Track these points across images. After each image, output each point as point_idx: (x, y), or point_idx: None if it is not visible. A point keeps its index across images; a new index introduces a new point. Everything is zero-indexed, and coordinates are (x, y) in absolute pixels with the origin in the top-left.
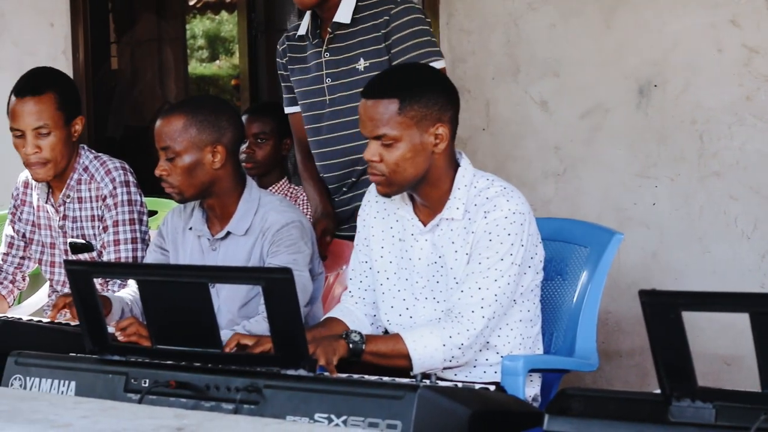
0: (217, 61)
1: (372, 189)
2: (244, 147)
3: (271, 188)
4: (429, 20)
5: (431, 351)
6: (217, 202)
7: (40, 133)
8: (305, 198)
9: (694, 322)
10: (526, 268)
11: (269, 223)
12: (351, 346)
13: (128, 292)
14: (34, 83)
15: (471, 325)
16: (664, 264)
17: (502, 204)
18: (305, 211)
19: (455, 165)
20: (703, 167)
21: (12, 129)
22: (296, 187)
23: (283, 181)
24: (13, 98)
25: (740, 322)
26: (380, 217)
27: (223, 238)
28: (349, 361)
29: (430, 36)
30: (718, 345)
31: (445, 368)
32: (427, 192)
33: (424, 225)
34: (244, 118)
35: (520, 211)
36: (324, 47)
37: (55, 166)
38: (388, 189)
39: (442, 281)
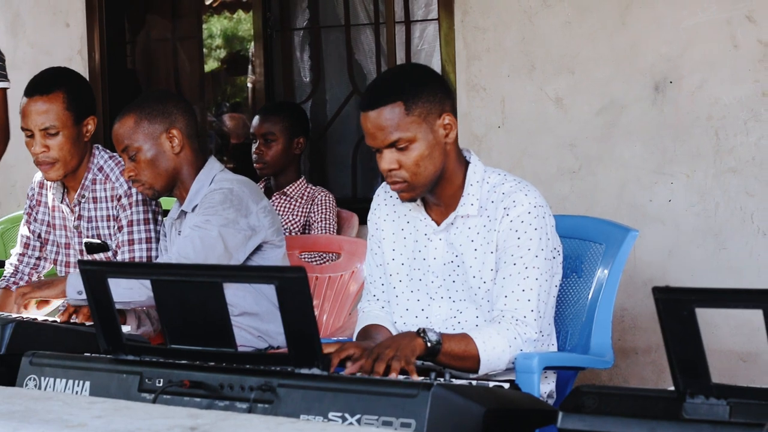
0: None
1: (380, 192)
2: (254, 147)
3: (287, 188)
4: None
5: (499, 352)
6: (183, 187)
7: (49, 133)
8: (323, 197)
9: (709, 318)
10: (552, 260)
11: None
12: (429, 345)
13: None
14: (43, 83)
15: (528, 330)
16: (680, 261)
17: (521, 199)
18: (324, 211)
19: (464, 161)
20: (719, 163)
21: (22, 129)
22: (314, 187)
23: (301, 180)
24: (24, 98)
25: (756, 318)
26: (390, 220)
27: (179, 218)
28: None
29: None
30: (734, 341)
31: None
32: (441, 189)
33: (438, 224)
34: (255, 118)
35: (540, 204)
36: None
37: (64, 166)
38: (413, 193)
39: (459, 280)
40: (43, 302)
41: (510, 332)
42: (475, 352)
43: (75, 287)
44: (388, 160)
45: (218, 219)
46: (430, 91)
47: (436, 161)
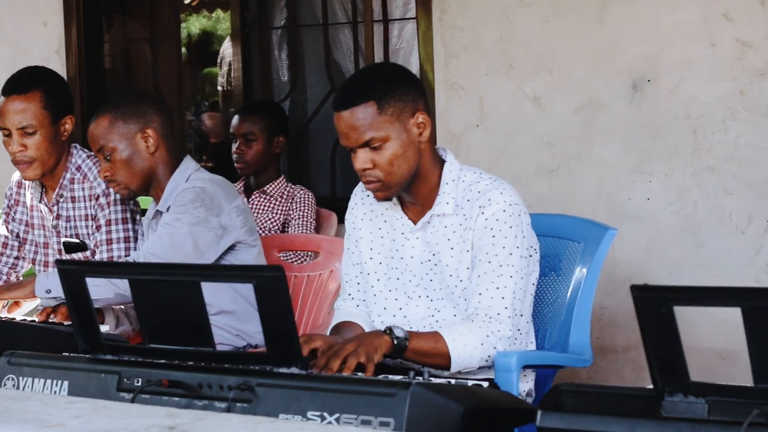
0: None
1: (357, 192)
2: (234, 147)
3: (267, 187)
4: None
5: (470, 350)
6: (159, 186)
7: (26, 132)
8: (303, 195)
9: (689, 316)
10: (528, 258)
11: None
12: (395, 342)
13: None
14: (21, 82)
15: (502, 327)
16: (659, 259)
17: (496, 197)
18: (303, 209)
19: (440, 160)
20: (697, 162)
21: (0, 128)
22: (293, 186)
23: (281, 179)
24: (1, 97)
25: (735, 316)
26: (368, 219)
27: (154, 217)
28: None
29: None
30: (714, 339)
31: (480, 368)
32: (416, 188)
33: (414, 223)
34: (234, 118)
35: (515, 202)
36: None
37: (41, 165)
38: (388, 192)
39: (436, 279)
40: (14, 304)
41: (483, 330)
42: (445, 349)
43: (43, 286)
44: (362, 159)
45: (189, 217)
46: (403, 90)
47: (410, 160)
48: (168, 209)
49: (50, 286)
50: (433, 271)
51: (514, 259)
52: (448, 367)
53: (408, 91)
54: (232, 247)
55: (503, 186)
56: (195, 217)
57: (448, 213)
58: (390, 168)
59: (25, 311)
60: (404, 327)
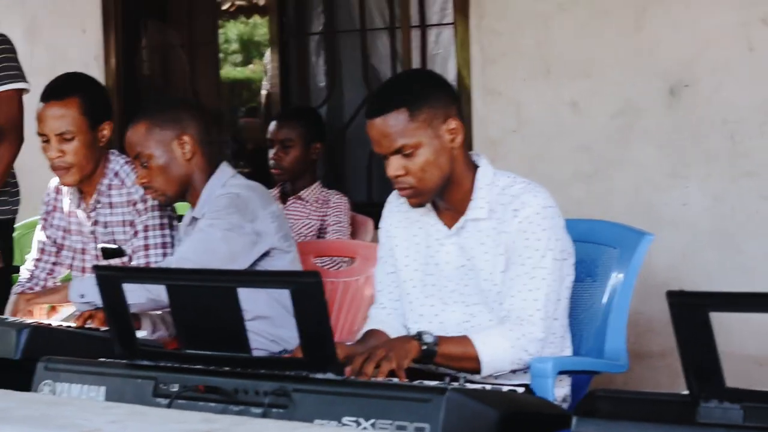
0: (251, 65)
1: (392, 199)
2: (271, 153)
3: (303, 192)
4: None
5: (500, 353)
6: (195, 193)
7: (64, 138)
8: (338, 200)
9: (725, 322)
10: (563, 261)
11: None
12: (425, 347)
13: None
14: (59, 88)
15: (533, 329)
16: (696, 264)
17: (530, 200)
18: (339, 214)
19: (473, 165)
20: (734, 167)
21: (38, 134)
22: (328, 191)
23: (316, 185)
24: (40, 103)
25: None
26: (402, 227)
27: (191, 224)
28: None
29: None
30: (750, 345)
31: (515, 373)
32: (450, 194)
33: (449, 228)
34: (272, 124)
35: (549, 205)
36: None
37: (79, 171)
38: (421, 198)
39: (472, 284)
40: (52, 309)
41: (513, 332)
42: (474, 353)
43: (77, 291)
44: (394, 166)
45: (222, 223)
46: (434, 96)
47: (442, 166)
48: (204, 215)
49: (84, 290)
50: (469, 276)
51: (548, 262)
52: (479, 371)
53: (439, 97)
54: (266, 254)
55: (537, 189)
56: (229, 223)
57: (483, 217)
58: (422, 174)
59: (62, 317)
60: (440, 333)
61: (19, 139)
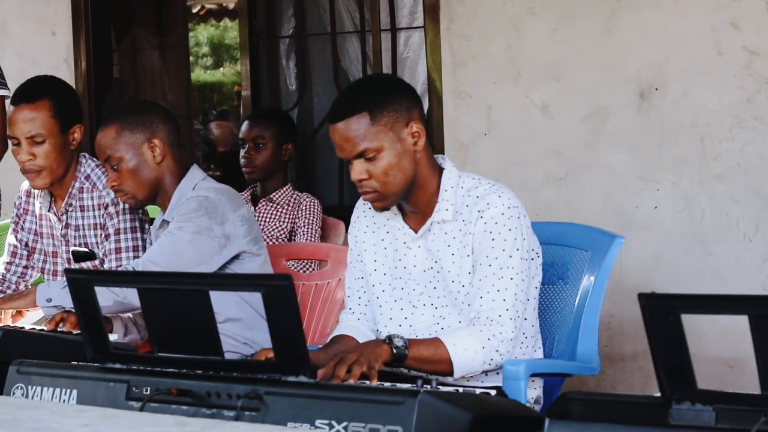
0: (221, 68)
1: (359, 205)
2: (243, 152)
3: (274, 194)
4: None
5: (471, 354)
6: (166, 196)
7: (35, 141)
8: (309, 203)
9: (696, 324)
10: (530, 261)
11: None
12: (395, 351)
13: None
14: (30, 91)
15: (503, 329)
16: (667, 267)
17: (495, 201)
18: (309, 217)
19: (438, 168)
20: (704, 170)
21: (9, 137)
22: (299, 194)
23: (287, 187)
24: (10, 106)
25: (743, 324)
26: (370, 231)
27: (161, 227)
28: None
29: None
30: (721, 348)
31: (488, 375)
32: (415, 197)
33: (415, 232)
34: (244, 123)
35: (514, 204)
36: None
37: (50, 174)
38: (385, 202)
39: (440, 286)
40: (18, 314)
41: (483, 333)
42: (446, 355)
43: (44, 295)
44: (357, 170)
45: (191, 226)
46: (396, 100)
47: (405, 169)
48: (173, 218)
49: (51, 295)
50: (436, 279)
51: (515, 262)
52: (451, 373)
53: (401, 101)
54: (236, 257)
55: (501, 190)
56: (198, 226)
57: (448, 219)
58: (385, 178)
59: (31, 321)
60: (410, 336)
61: (3, 146)
